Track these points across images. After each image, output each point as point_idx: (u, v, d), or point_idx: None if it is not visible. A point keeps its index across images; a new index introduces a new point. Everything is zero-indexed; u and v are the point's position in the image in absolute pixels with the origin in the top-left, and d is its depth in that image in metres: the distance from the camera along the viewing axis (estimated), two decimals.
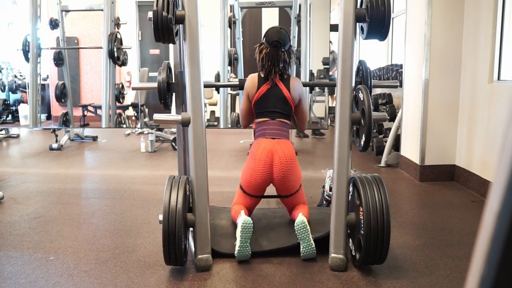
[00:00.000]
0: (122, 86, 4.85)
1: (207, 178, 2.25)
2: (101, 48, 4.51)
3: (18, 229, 2.77)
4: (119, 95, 4.73)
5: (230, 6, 4.43)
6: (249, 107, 2.51)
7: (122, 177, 4.32)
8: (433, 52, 3.80)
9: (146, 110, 5.45)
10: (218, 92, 4.59)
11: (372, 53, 7.81)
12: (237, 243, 2.21)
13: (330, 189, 2.77)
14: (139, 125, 5.84)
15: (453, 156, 3.91)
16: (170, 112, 2.73)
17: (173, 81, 2.53)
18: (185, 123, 2.20)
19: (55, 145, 5.68)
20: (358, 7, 2.15)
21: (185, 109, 2.35)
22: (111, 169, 4.72)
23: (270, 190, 2.54)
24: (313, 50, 4.13)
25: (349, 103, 2.16)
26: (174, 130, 5.71)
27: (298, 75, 4.05)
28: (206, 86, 2.33)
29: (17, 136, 6.92)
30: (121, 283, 2.04)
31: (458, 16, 3.75)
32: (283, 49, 2.40)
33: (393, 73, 5.05)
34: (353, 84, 2.18)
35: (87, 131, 6.61)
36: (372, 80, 2.42)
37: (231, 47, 4.43)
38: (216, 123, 5.07)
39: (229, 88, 4.48)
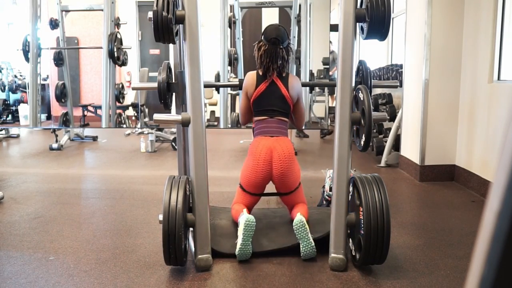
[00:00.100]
0: (122, 86, 4.85)
1: (207, 178, 2.25)
2: (101, 48, 4.51)
3: (18, 229, 2.77)
4: (119, 95, 4.73)
5: (230, 6, 4.43)
6: (248, 105, 2.52)
7: (122, 177, 4.32)
8: (433, 52, 3.80)
9: (146, 110, 5.45)
10: (218, 92, 4.60)
11: (372, 53, 7.81)
12: (239, 241, 2.21)
13: (330, 189, 2.77)
14: (139, 125, 5.84)
15: (453, 156, 3.91)
16: (170, 112, 2.73)
17: (173, 81, 2.53)
18: (185, 123, 2.20)
19: (55, 145, 5.68)
20: (358, 7, 2.15)
21: (185, 109, 2.35)
22: (111, 169, 4.72)
23: (270, 188, 2.54)
24: (313, 50, 4.13)
25: (349, 103, 2.16)
26: (174, 130, 5.71)
27: (298, 75, 4.05)
28: (206, 86, 2.33)
29: (17, 136, 6.92)
30: (121, 283, 2.04)
31: (458, 16, 3.75)
32: (281, 46, 2.40)
33: (393, 73, 5.05)
34: (353, 84, 2.18)
35: (87, 131, 6.61)
36: (372, 80, 2.42)
37: (231, 47, 4.44)
38: (216, 123, 5.07)
39: (229, 88, 4.49)
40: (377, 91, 5.95)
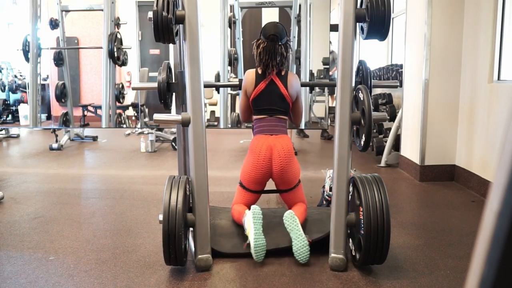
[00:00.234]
0: (122, 86, 4.85)
1: (207, 178, 2.25)
2: (101, 48, 4.51)
3: (18, 229, 2.77)
4: (119, 95, 4.74)
5: (230, 6, 4.43)
6: (247, 103, 2.53)
7: (122, 177, 4.32)
8: (433, 52, 3.80)
9: (146, 110, 5.45)
10: (218, 92, 4.59)
11: (372, 53, 7.81)
12: (251, 235, 2.19)
13: (330, 189, 2.77)
14: (139, 125, 5.84)
15: (453, 156, 3.91)
16: (170, 112, 2.73)
17: (173, 81, 2.53)
18: (185, 123, 2.20)
19: (55, 145, 5.68)
20: (358, 7, 2.15)
21: (185, 109, 2.35)
22: (111, 169, 4.72)
23: (270, 186, 2.55)
24: (313, 50, 4.13)
25: (349, 103, 2.16)
26: (174, 130, 5.71)
27: (298, 75, 4.05)
28: (206, 86, 2.33)
29: (17, 136, 6.92)
30: (121, 283, 2.04)
31: (458, 16, 3.75)
32: (280, 43, 2.40)
33: (393, 73, 5.05)
34: (353, 84, 2.18)
35: (87, 131, 6.61)
36: (372, 80, 2.42)
37: (231, 47, 4.43)
38: (216, 123, 5.07)
39: (229, 88, 4.48)
40: (377, 91, 5.95)
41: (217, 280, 2.08)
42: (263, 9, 4.61)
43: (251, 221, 2.22)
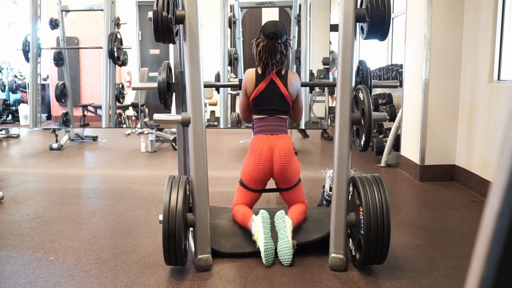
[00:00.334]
0: (122, 86, 4.85)
1: (207, 178, 2.25)
2: (101, 48, 4.52)
3: (18, 229, 2.77)
4: (119, 95, 4.74)
5: (230, 6, 4.43)
6: (247, 103, 2.53)
7: (122, 177, 4.32)
8: (433, 52, 3.80)
9: (146, 110, 5.45)
10: (218, 92, 4.60)
11: (372, 53, 7.81)
12: (260, 240, 2.19)
13: (330, 189, 2.77)
14: (139, 125, 5.84)
15: (453, 156, 3.91)
16: (170, 112, 2.73)
17: (173, 81, 2.53)
18: (185, 123, 2.20)
19: (55, 145, 5.68)
20: (358, 7, 2.15)
21: (185, 109, 2.35)
22: (111, 169, 4.72)
23: (271, 185, 2.56)
24: (313, 50, 4.13)
25: (349, 103, 2.16)
26: (174, 130, 5.71)
27: (298, 75, 4.05)
28: (206, 86, 2.33)
29: (17, 136, 6.92)
30: (121, 283, 2.04)
31: (458, 16, 3.75)
32: (280, 41, 2.40)
33: (393, 73, 5.05)
34: (353, 84, 2.18)
35: (87, 131, 6.61)
36: (372, 80, 2.42)
37: (231, 47, 4.44)
38: (216, 123, 5.07)
39: (229, 88, 4.49)
40: (377, 91, 5.95)
41: (217, 280, 2.08)
42: (263, 9, 4.61)
43: (260, 225, 2.23)
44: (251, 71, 2.48)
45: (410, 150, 4.21)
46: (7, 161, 5.36)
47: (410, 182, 3.96)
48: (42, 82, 4.62)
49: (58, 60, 4.72)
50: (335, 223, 2.19)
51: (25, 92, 5.24)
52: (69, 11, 4.83)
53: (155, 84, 2.44)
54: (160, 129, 6.05)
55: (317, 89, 4.67)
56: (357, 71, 2.43)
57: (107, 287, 2.01)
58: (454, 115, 3.86)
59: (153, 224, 2.83)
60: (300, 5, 4.14)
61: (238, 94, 4.53)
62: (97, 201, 3.46)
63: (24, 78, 5.48)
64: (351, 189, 2.20)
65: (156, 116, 2.23)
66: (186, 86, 2.22)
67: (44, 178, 4.25)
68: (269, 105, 2.45)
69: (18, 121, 5.42)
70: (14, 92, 5.75)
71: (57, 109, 4.84)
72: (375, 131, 5.09)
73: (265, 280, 2.06)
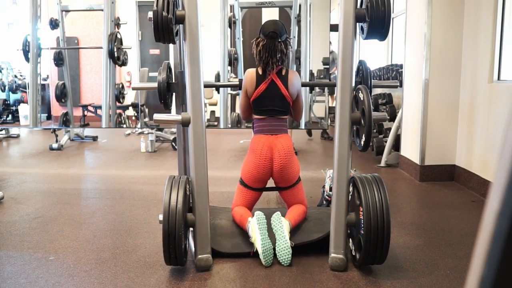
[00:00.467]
0: (122, 86, 4.85)
1: (207, 178, 2.25)
2: (101, 48, 4.51)
3: (18, 229, 2.77)
4: (119, 95, 4.73)
5: (230, 6, 4.43)
6: (248, 103, 2.53)
7: (122, 177, 4.32)
8: (433, 52, 3.80)
9: (146, 110, 5.45)
10: (218, 92, 4.59)
11: (372, 53, 7.80)
12: (257, 241, 2.19)
13: (330, 189, 2.77)
14: (139, 125, 5.84)
15: (453, 156, 3.91)
16: (170, 112, 2.73)
17: (173, 81, 2.53)
18: (185, 123, 2.20)
19: (55, 145, 5.68)
20: (358, 7, 2.15)
21: (185, 109, 2.35)
22: (111, 169, 4.72)
23: (270, 184, 2.56)
24: (313, 50, 4.13)
25: (349, 103, 2.16)
26: (174, 130, 5.71)
27: (298, 74, 4.04)
28: (206, 86, 2.33)
29: (17, 136, 6.92)
30: (121, 283, 2.04)
31: (458, 16, 3.75)
32: (279, 40, 2.40)
33: (393, 73, 5.05)
34: (353, 84, 2.18)
35: (87, 131, 6.61)
36: (372, 80, 2.42)
37: (231, 47, 4.43)
38: (216, 123, 5.07)
39: (229, 88, 4.48)
40: (377, 91, 5.95)
41: (217, 280, 2.08)
42: (263, 9, 4.61)
43: (256, 227, 2.23)
44: (252, 72, 2.48)
45: (410, 150, 4.21)
46: (7, 161, 5.35)
47: (410, 182, 3.96)
48: (42, 82, 4.62)
49: (58, 60, 4.72)
50: (335, 223, 2.19)
51: (25, 92, 5.24)
52: (69, 11, 4.83)
53: (155, 84, 2.44)
54: (160, 129, 6.05)
55: (317, 89, 4.67)
56: (357, 71, 2.43)
57: (107, 287, 2.01)
58: (454, 115, 3.86)
59: (153, 224, 2.83)
60: (300, 5, 4.13)
61: (238, 94, 4.53)
62: (97, 201, 3.46)
63: (24, 78, 5.48)
64: (351, 189, 2.20)
65: (156, 116, 2.23)
66: (186, 86, 2.22)
67: (44, 178, 4.25)
68: (270, 105, 2.45)
69: (18, 121, 5.41)
70: (14, 92, 5.75)
71: (57, 109, 4.83)
72: (375, 131, 5.09)
73: (265, 280, 2.06)
